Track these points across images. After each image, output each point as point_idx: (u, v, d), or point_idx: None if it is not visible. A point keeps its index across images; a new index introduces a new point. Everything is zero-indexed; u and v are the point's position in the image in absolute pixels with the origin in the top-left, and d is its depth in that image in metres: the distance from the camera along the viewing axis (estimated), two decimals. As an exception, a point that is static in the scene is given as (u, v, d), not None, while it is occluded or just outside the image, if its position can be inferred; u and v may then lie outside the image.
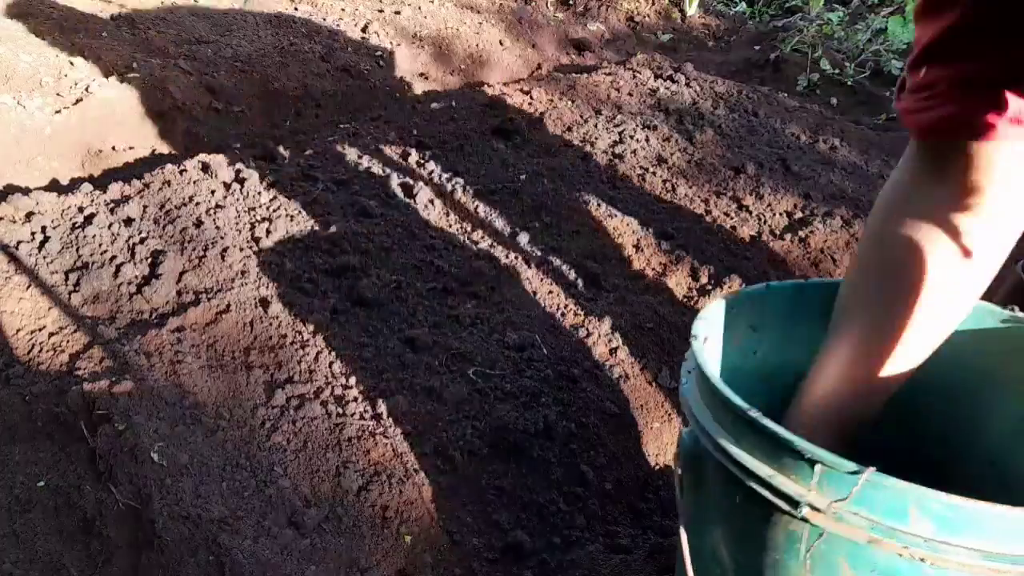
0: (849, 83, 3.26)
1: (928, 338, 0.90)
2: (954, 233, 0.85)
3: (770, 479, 0.75)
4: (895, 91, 0.92)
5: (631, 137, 2.41)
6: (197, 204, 1.77)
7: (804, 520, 0.73)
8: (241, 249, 1.69)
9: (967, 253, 0.86)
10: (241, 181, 1.90)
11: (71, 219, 1.69)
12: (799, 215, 2.14)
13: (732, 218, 2.10)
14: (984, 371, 1.03)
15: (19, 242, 1.61)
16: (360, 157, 2.18)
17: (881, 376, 0.92)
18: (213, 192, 1.83)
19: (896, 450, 1.06)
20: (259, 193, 1.89)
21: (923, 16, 0.84)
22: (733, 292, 1.04)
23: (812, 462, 0.71)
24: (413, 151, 2.24)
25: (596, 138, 2.40)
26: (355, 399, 1.43)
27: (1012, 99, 0.78)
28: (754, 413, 0.76)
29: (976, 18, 0.78)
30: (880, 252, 0.91)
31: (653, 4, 4.03)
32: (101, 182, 1.93)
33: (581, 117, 2.51)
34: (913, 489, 0.67)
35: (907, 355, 0.91)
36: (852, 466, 0.69)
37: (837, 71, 3.30)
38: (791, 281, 1.10)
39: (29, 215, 1.68)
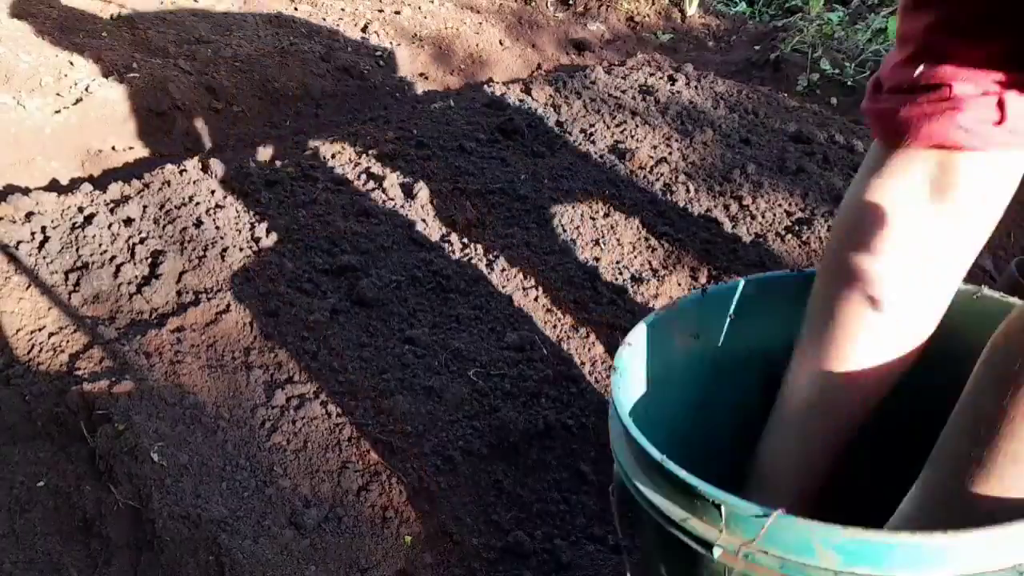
0: (849, 83, 3.26)
1: (903, 341, 0.89)
2: (926, 237, 0.83)
3: (683, 522, 0.76)
4: (869, 91, 0.86)
5: (631, 137, 2.40)
6: (197, 204, 1.77)
7: (719, 562, 0.74)
8: (241, 249, 1.69)
9: (938, 255, 0.83)
10: (241, 181, 1.90)
11: (71, 219, 1.69)
12: (799, 215, 2.14)
13: (732, 218, 2.10)
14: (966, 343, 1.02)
15: (19, 242, 1.61)
16: (360, 157, 2.18)
17: (865, 381, 0.90)
18: (213, 192, 1.83)
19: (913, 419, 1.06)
20: (259, 193, 1.89)
21: (918, 8, 0.78)
22: (665, 307, 1.02)
23: (718, 505, 0.72)
24: (413, 151, 2.23)
25: (596, 138, 2.40)
26: (355, 399, 1.43)
27: (1012, 106, 0.76)
28: (659, 457, 0.76)
29: (982, 9, 0.73)
30: (847, 262, 0.87)
31: (653, 4, 4.03)
32: (101, 182, 1.93)
33: (581, 117, 2.51)
34: (815, 526, 0.69)
35: (884, 361, 0.89)
36: (758, 509, 0.70)
37: (837, 71, 3.30)
38: (731, 282, 1.10)
39: (29, 215, 1.68)
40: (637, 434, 0.79)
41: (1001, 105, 0.76)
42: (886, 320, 0.87)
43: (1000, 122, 0.76)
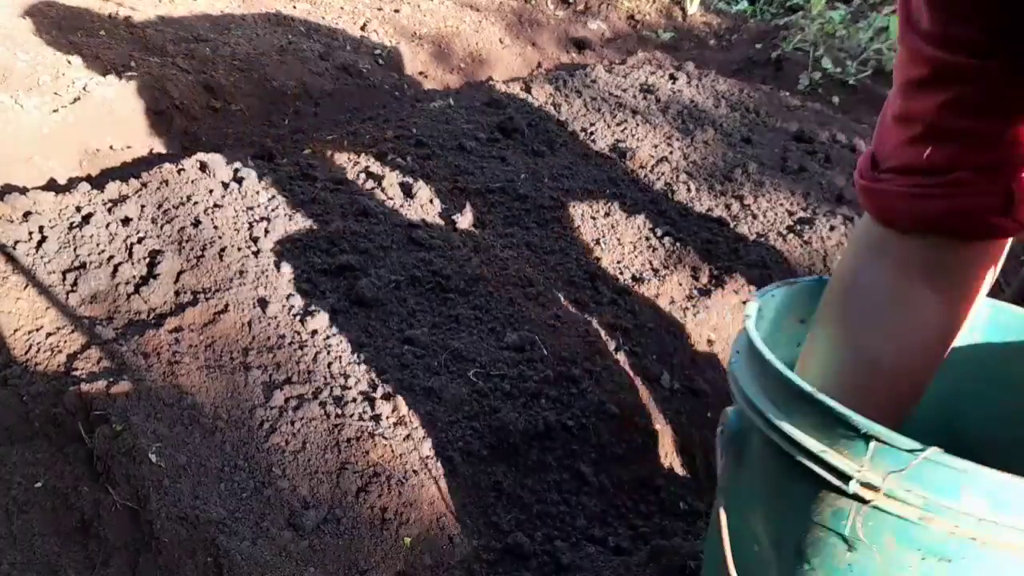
0: (851, 82, 3.25)
1: (900, 397, 0.89)
2: (920, 315, 0.84)
3: (821, 454, 0.75)
4: (863, 168, 0.85)
5: (632, 136, 2.40)
6: (195, 204, 1.76)
7: (854, 496, 0.73)
8: (239, 249, 1.69)
9: (931, 329, 0.85)
10: (239, 180, 1.90)
11: (68, 219, 1.68)
12: (801, 214, 2.14)
13: (734, 217, 2.10)
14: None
15: (16, 242, 1.60)
16: (359, 156, 2.17)
17: None
18: (211, 191, 1.82)
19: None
20: (257, 193, 1.88)
21: (924, 87, 0.76)
22: (790, 282, 1.04)
23: (867, 437, 0.71)
24: (412, 150, 2.23)
25: (597, 137, 2.39)
26: (354, 400, 1.42)
27: (1019, 196, 0.76)
28: (808, 388, 0.76)
29: (997, 90, 0.71)
30: (842, 334, 0.90)
31: (654, 2, 4.02)
32: (99, 181, 1.92)
33: (581, 116, 2.50)
34: (968, 466, 0.67)
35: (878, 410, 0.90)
36: (910, 444, 0.69)
37: (839, 70, 3.30)
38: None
39: (26, 215, 1.67)
40: (780, 366, 0.79)
41: (1010, 196, 0.76)
42: (882, 381, 0.88)
43: (1006, 213, 0.77)
